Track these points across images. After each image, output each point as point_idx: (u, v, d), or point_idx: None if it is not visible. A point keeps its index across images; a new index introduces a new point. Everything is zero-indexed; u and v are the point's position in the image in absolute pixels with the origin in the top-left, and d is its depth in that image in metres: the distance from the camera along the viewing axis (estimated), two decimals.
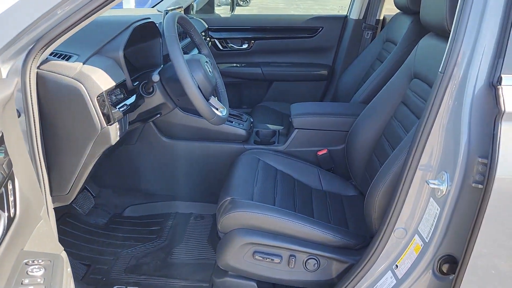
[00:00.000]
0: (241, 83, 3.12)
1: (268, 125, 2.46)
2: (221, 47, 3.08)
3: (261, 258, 1.59)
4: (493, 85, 1.13)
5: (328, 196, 1.98)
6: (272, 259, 1.59)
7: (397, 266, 1.38)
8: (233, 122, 2.23)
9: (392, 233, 1.37)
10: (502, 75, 1.11)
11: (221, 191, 1.80)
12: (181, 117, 2.14)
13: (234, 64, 3.13)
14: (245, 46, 3.09)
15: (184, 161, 2.23)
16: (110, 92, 1.41)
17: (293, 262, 1.59)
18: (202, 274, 1.88)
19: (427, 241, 1.29)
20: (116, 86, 1.44)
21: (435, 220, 1.26)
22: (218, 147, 2.20)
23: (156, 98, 1.66)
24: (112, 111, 1.38)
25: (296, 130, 2.18)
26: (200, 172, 2.25)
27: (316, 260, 1.59)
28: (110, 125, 1.38)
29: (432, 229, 1.27)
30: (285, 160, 2.11)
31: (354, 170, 2.04)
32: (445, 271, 1.29)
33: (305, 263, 1.60)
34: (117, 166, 2.27)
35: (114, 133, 1.41)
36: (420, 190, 1.31)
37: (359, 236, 1.65)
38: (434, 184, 1.24)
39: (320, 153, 2.16)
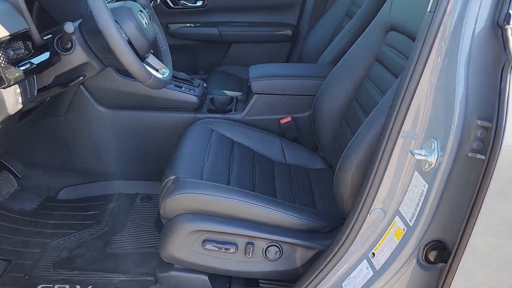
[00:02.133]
0: (195, 46, 2.78)
1: (224, 91, 2.16)
2: (172, 5, 2.71)
3: (212, 248, 1.33)
4: (498, 25, 0.87)
5: (293, 171, 1.72)
6: (226, 249, 1.33)
7: (374, 254, 1.14)
8: (183, 88, 1.92)
9: (368, 215, 1.13)
10: None
11: (166, 168, 1.50)
12: (120, 82, 1.81)
13: (188, 25, 2.77)
14: (199, 3, 2.74)
15: (126, 134, 1.91)
16: (4, 45, 1.07)
17: (250, 251, 1.33)
18: (147, 266, 1.60)
19: (411, 224, 1.05)
20: (14, 38, 1.11)
21: (422, 199, 1.02)
22: (165, 117, 1.89)
23: (77, 56, 1.33)
24: (7, 70, 1.05)
25: (256, 95, 1.90)
26: (146, 146, 1.94)
27: (278, 247, 1.34)
28: (3, 88, 1.05)
29: (418, 210, 1.03)
30: (243, 130, 1.83)
31: (322, 139, 1.78)
32: (432, 260, 1.06)
33: (265, 252, 1.34)
34: (47, 142, 1.93)
35: (12, 99, 1.09)
36: (401, 163, 1.07)
37: (329, 217, 1.41)
38: (420, 154, 1.00)
39: (283, 121, 1.88)
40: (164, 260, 1.37)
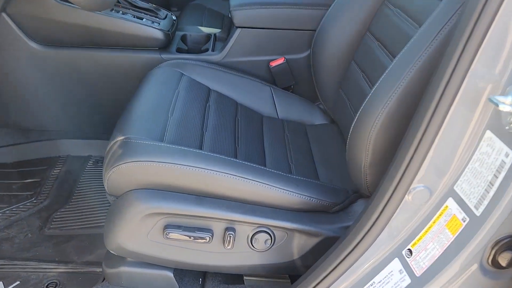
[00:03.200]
0: None
1: (200, 27, 1.72)
2: None
3: (178, 237, 0.95)
4: None
5: (286, 128, 1.33)
6: (197, 237, 0.95)
7: (410, 252, 0.78)
8: (144, 20, 1.47)
9: (406, 195, 0.75)
10: None
11: (115, 125, 1.10)
12: (57, 9, 1.36)
13: None
14: None
15: (70, 80, 1.48)
16: None
17: (231, 240, 0.96)
18: (96, 252, 1.22)
19: (477, 213, 0.68)
20: None
21: (500, 176, 0.64)
22: (121, 58, 1.46)
23: None
24: None
25: (238, 30, 1.46)
26: (98, 96, 1.51)
27: (269, 234, 0.97)
28: None
29: (492, 193, 0.66)
30: (222, 75, 1.41)
31: (324, 87, 1.38)
32: (503, 264, 0.70)
33: (251, 240, 0.98)
34: None
35: None
36: (466, 118, 0.68)
37: (337, 192, 1.04)
38: (505, 104, 0.61)
39: (274, 63, 1.47)
40: (112, 252, 0.99)
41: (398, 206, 0.76)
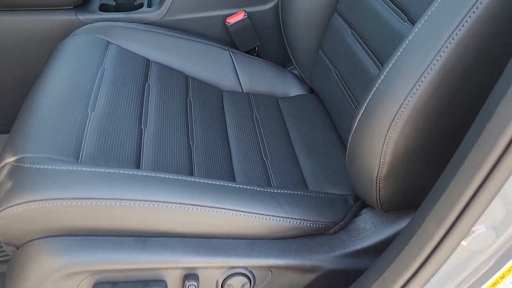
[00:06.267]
0: None
1: None
2: None
3: None
4: None
5: (254, 105, 1.02)
6: None
7: None
8: None
9: (463, 241, 0.48)
10: None
11: (9, 134, 0.75)
12: None
13: None
14: None
15: None
16: None
17: None
18: None
19: None
20: None
21: None
22: (21, 22, 1.06)
23: None
24: None
25: None
26: None
27: (247, 276, 0.69)
28: None
29: None
30: (164, 39, 1.06)
31: (299, 49, 1.07)
32: None
33: (222, 287, 0.69)
34: None
35: None
36: None
37: (335, 204, 0.75)
38: None
39: (232, 20, 1.12)
40: None
41: (450, 252, 0.49)
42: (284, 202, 0.70)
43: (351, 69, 0.88)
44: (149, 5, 1.15)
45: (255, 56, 1.16)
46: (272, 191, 0.71)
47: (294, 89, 1.12)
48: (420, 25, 0.56)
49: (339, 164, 0.87)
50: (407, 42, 0.56)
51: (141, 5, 1.16)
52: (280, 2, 1.07)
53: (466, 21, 0.51)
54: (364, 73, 0.83)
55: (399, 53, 0.57)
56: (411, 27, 0.70)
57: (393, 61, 0.58)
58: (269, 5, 1.13)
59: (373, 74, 0.80)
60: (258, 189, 0.70)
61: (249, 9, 1.12)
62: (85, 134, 0.72)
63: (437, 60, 0.53)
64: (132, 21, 1.09)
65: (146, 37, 1.04)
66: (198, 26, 1.12)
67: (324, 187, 0.82)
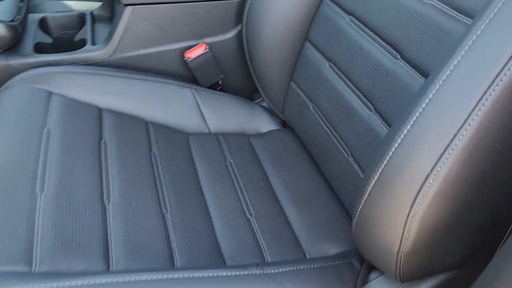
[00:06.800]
0: None
1: (64, 1, 1.16)
2: None
3: None
4: None
5: (226, 148, 0.91)
6: None
7: None
8: None
9: None
10: None
11: None
12: None
13: None
14: None
15: None
16: None
17: None
18: None
19: None
20: None
21: None
22: None
23: None
24: None
25: (129, 8, 0.95)
26: None
27: None
28: None
29: None
30: (116, 82, 0.93)
31: (268, 80, 0.98)
32: None
33: None
34: None
35: None
36: None
37: (342, 273, 0.66)
38: None
39: (191, 54, 1.00)
40: None
41: None
42: (287, 282, 0.60)
43: (334, 107, 0.80)
44: (93, 42, 1.00)
45: (219, 90, 1.05)
46: (272, 271, 0.61)
47: (265, 124, 1.02)
48: (442, 82, 0.47)
49: (331, 215, 0.78)
50: (427, 101, 0.48)
51: (83, 42, 1.01)
52: (243, 29, 0.97)
53: (501, 80, 0.43)
54: (353, 113, 0.75)
55: (417, 114, 0.49)
56: (407, 67, 0.62)
57: (411, 123, 0.49)
58: (231, 34, 1.02)
59: (364, 115, 0.72)
60: (257, 272, 0.60)
61: (209, 40, 1.01)
62: (35, 228, 0.58)
63: (469, 125, 0.45)
64: (75, 62, 0.94)
65: (94, 82, 0.90)
66: (154, 63, 0.99)
67: (321, 246, 0.73)
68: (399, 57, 0.66)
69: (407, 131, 0.49)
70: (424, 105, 0.48)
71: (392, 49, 0.68)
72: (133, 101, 0.91)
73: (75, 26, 1.09)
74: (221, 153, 0.90)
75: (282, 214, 0.79)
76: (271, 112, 1.03)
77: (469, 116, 0.44)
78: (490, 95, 0.44)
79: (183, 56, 0.99)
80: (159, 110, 0.93)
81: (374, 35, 0.71)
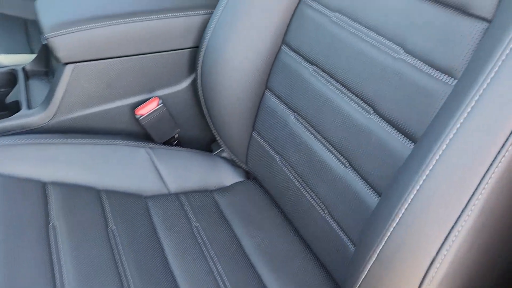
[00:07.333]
0: None
1: None
2: None
3: None
4: None
5: (189, 210, 0.84)
6: None
7: None
8: None
9: None
10: None
11: None
12: None
13: None
14: None
15: None
16: None
17: None
18: None
19: None
20: None
21: None
22: None
23: None
24: None
25: (71, 66, 0.85)
26: None
27: None
28: None
29: None
30: (60, 149, 0.82)
31: (228, 131, 0.92)
32: None
33: None
34: None
35: None
36: None
37: None
38: None
39: (142, 111, 0.91)
40: None
41: None
42: None
43: (305, 161, 0.75)
44: (29, 105, 0.89)
45: (176, 144, 0.98)
46: None
47: (228, 177, 0.96)
48: (441, 153, 0.44)
49: (313, 279, 0.73)
50: (424, 177, 0.44)
51: (16, 104, 0.90)
52: (198, 78, 0.90)
53: (504, 156, 0.40)
54: (326, 169, 0.71)
55: (415, 192, 0.45)
56: (383, 123, 0.59)
57: (409, 201, 0.45)
58: (184, 84, 0.96)
59: (339, 172, 0.68)
60: None
61: (161, 93, 0.93)
62: None
63: (474, 205, 0.41)
64: (8, 131, 0.83)
65: (34, 152, 0.80)
66: (102, 123, 0.90)
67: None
68: (372, 112, 0.63)
69: (405, 210, 0.45)
70: (421, 182, 0.44)
71: (364, 104, 0.64)
72: (81, 169, 0.82)
73: (4, 84, 0.97)
74: (185, 217, 0.83)
75: (260, 282, 0.73)
76: (232, 163, 0.97)
77: (472, 196, 0.41)
78: (491, 177, 0.41)
79: (133, 113, 0.91)
80: (111, 176, 0.84)
81: (343, 88, 0.68)
